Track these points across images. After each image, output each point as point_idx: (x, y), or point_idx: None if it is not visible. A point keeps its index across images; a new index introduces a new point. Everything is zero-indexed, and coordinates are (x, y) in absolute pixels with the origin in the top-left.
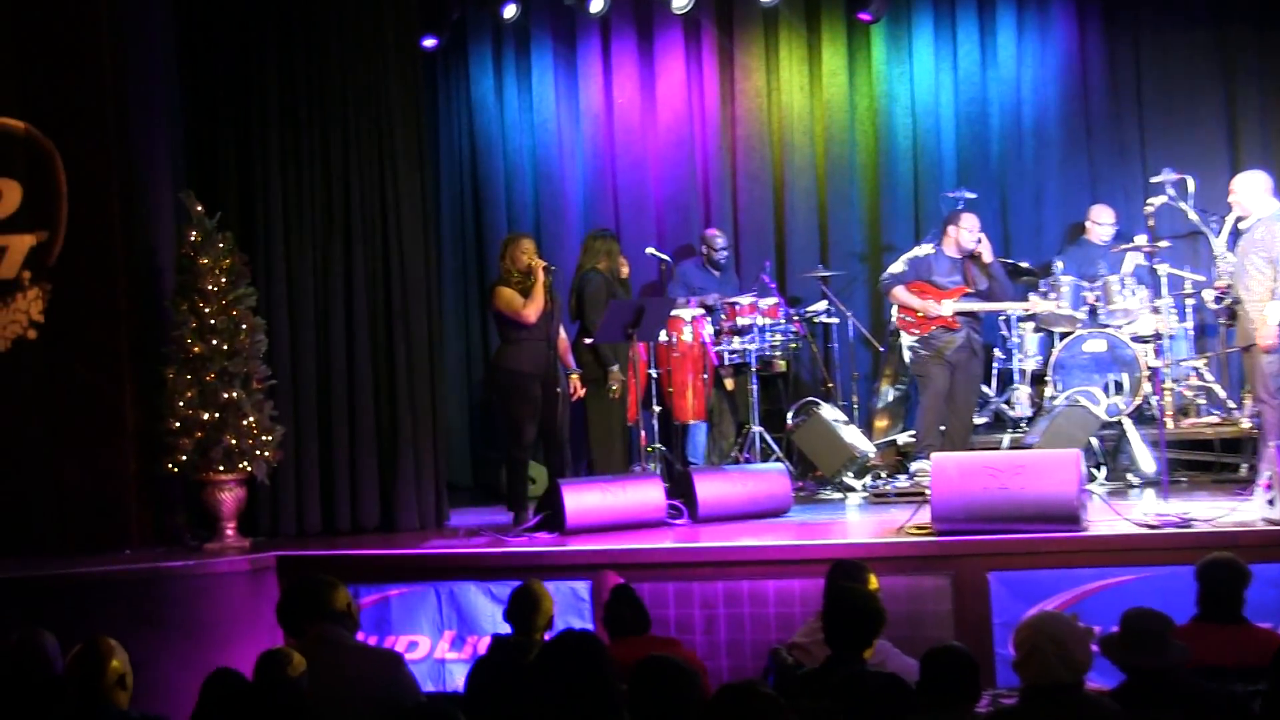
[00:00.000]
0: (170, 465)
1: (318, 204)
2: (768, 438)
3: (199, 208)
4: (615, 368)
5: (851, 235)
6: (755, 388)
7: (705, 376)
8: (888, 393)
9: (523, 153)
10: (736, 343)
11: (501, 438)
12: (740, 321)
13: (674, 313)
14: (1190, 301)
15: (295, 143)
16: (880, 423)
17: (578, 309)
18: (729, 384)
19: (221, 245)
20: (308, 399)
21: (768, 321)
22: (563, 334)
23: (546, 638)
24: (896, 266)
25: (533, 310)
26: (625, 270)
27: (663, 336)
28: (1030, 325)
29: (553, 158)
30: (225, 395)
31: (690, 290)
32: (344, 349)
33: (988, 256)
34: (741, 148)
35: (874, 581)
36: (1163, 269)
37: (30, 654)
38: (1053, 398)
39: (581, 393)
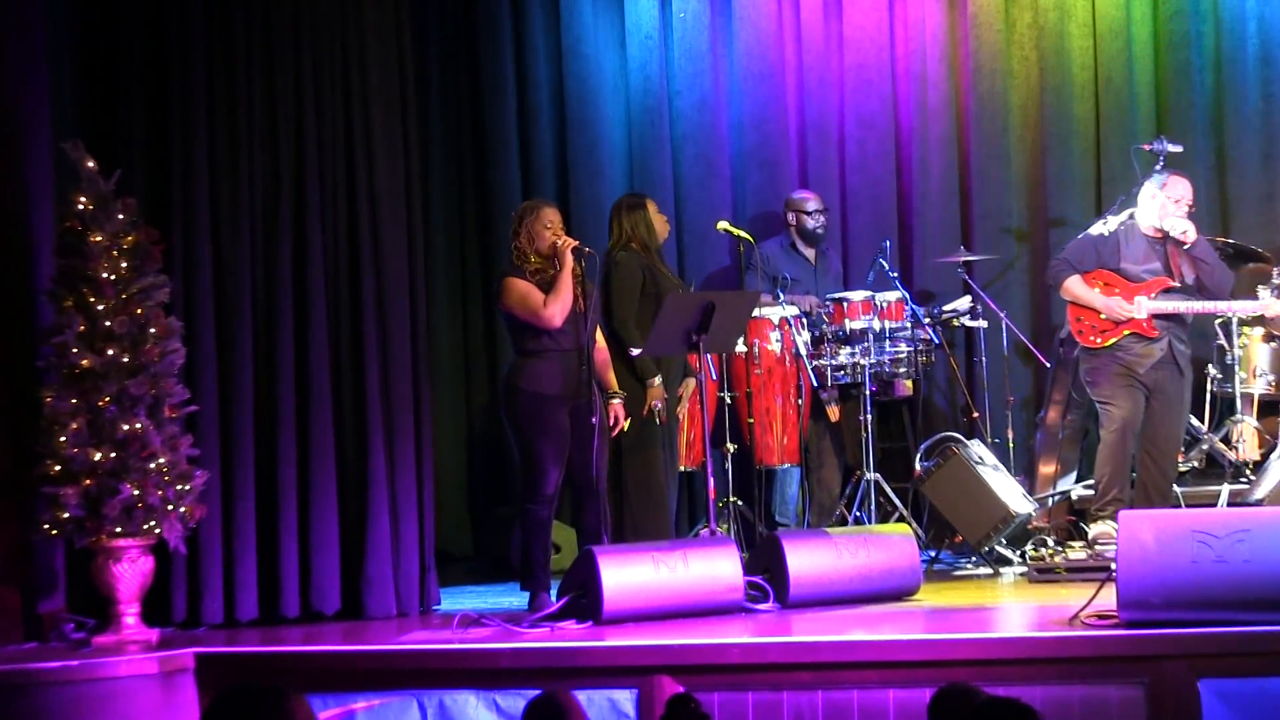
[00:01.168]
0: (47, 526)
1: (259, 163)
2: (887, 489)
3: (90, 163)
4: (656, 380)
5: (1005, 204)
6: (870, 418)
7: (800, 403)
8: (1057, 426)
9: (543, 86)
10: (844, 355)
11: (514, 487)
12: (849, 326)
13: (757, 313)
14: None
15: (229, 80)
16: (1046, 468)
17: (605, 305)
18: (833, 413)
19: (122, 217)
20: (242, 433)
21: (888, 325)
22: (601, 341)
23: None
24: (1071, 250)
25: (558, 309)
26: (663, 233)
27: (740, 346)
28: (1258, 333)
29: (587, 92)
30: (126, 427)
31: (776, 281)
32: (293, 364)
33: (1193, 235)
34: (851, 81)
35: None
36: None
37: None
38: None
39: (625, 425)
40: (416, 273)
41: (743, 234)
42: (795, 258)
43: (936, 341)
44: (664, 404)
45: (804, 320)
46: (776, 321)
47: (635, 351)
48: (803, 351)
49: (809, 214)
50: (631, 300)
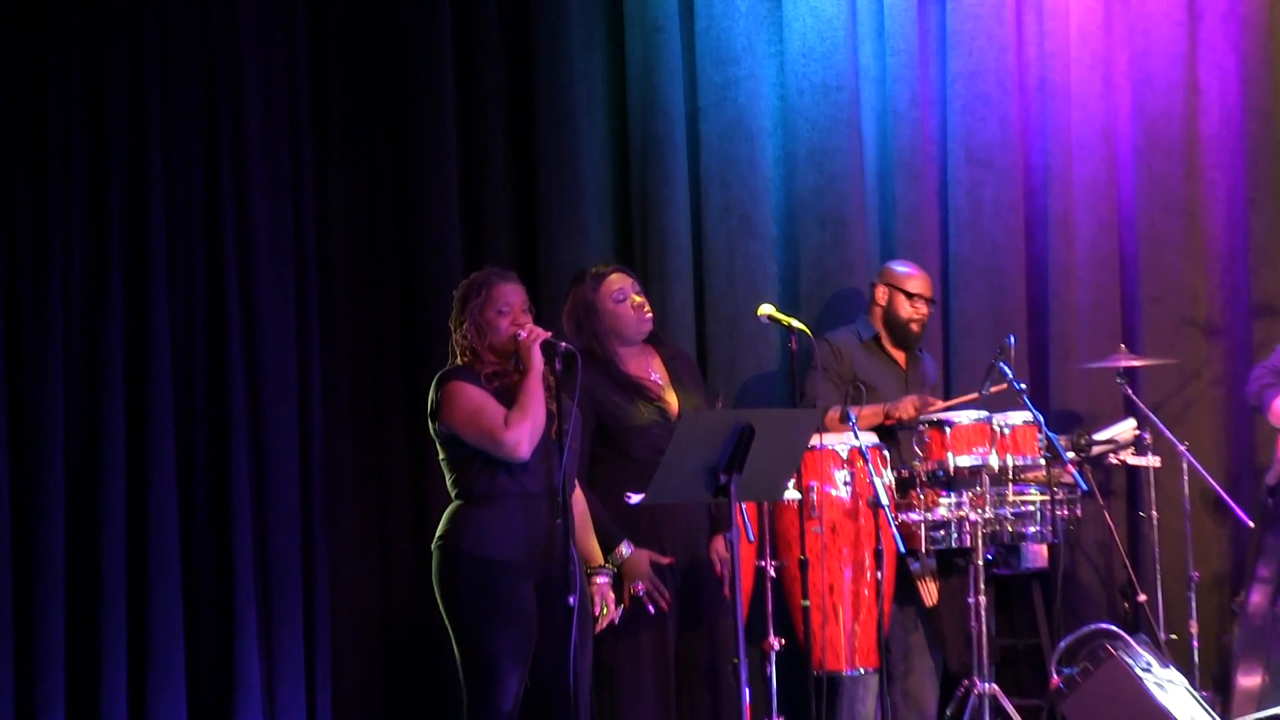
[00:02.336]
0: None
1: (77, 219)
2: (1009, 708)
3: None
4: (626, 549)
5: (1189, 283)
6: (983, 599)
7: (879, 577)
8: (1264, 616)
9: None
10: (944, 507)
11: (453, 702)
12: (954, 463)
13: (815, 441)
14: None
15: (36, 98)
16: (1248, 679)
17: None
18: (928, 593)
19: None
20: (48, 620)
21: (1011, 463)
22: (580, 495)
23: None
24: None
25: (525, 433)
26: (646, 320)
27: (790, 492)
28: None
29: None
30: None
31: (847, 394)
32: (124, 519)
33: None
34: (957, 95)
35: None
36: None
37: None
38: None
39: (615, 614)
40: (309, 372)
41: (795, 322)
42: (878, 359)
43: (1084, 488)
44: (647, 580)
45: (886, 454)
46: (846, 455)
47: (634, 499)
48: (884, 500)
49: (911, 298)
50: (600, 432)
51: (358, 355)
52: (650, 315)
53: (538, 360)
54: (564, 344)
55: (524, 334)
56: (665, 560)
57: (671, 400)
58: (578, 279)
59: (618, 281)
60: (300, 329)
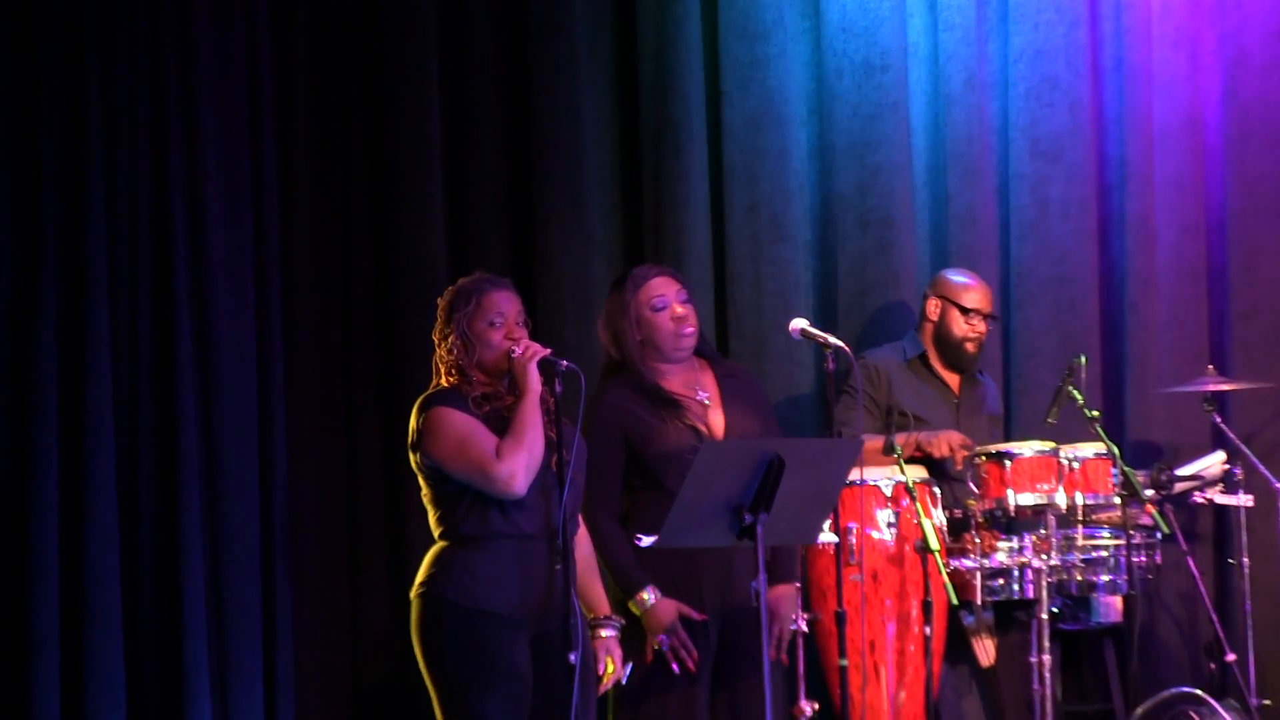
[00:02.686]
0: None
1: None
2: None
3: None
4: (649, 596)
5: (1277, 285)
6: (1047, 659)
7: (927, 631)
8: None
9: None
10: (1003, 552)
11: None
12: (1014, 501)
13: (856, 476)
14: None
15: None
16: None
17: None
18: (984, 652)
19: None
20: None
21: (1081, 502)
22: (584, 536)
23: None
24: None
25: (521, 465)
26: (685, 335)
27: (826, 534)
28: None
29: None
30: None
31: (891, 421)
32: (58, 567)
33: None
34: (1020, 76)
35: None
36: None
37: None
38: None
39: (623, 672)
40: (271, 395)
41: (831, 339)
42: (926, 383)
43: (1165, 531)
44: (686, 637)
45: (937, 491)
46: (890, 491)
47: (644, 541)
48: (934, 544)
49: (967, 314)
50: (601, 465)
51: (327, 375)
52: (691, 331)
53: (535, 381)
54: (565, 362)
55: (519, 350)
56: (698, 616)
57: (717, 423)
58: (618, 281)
59: (660, 287)
60: (261, 345)
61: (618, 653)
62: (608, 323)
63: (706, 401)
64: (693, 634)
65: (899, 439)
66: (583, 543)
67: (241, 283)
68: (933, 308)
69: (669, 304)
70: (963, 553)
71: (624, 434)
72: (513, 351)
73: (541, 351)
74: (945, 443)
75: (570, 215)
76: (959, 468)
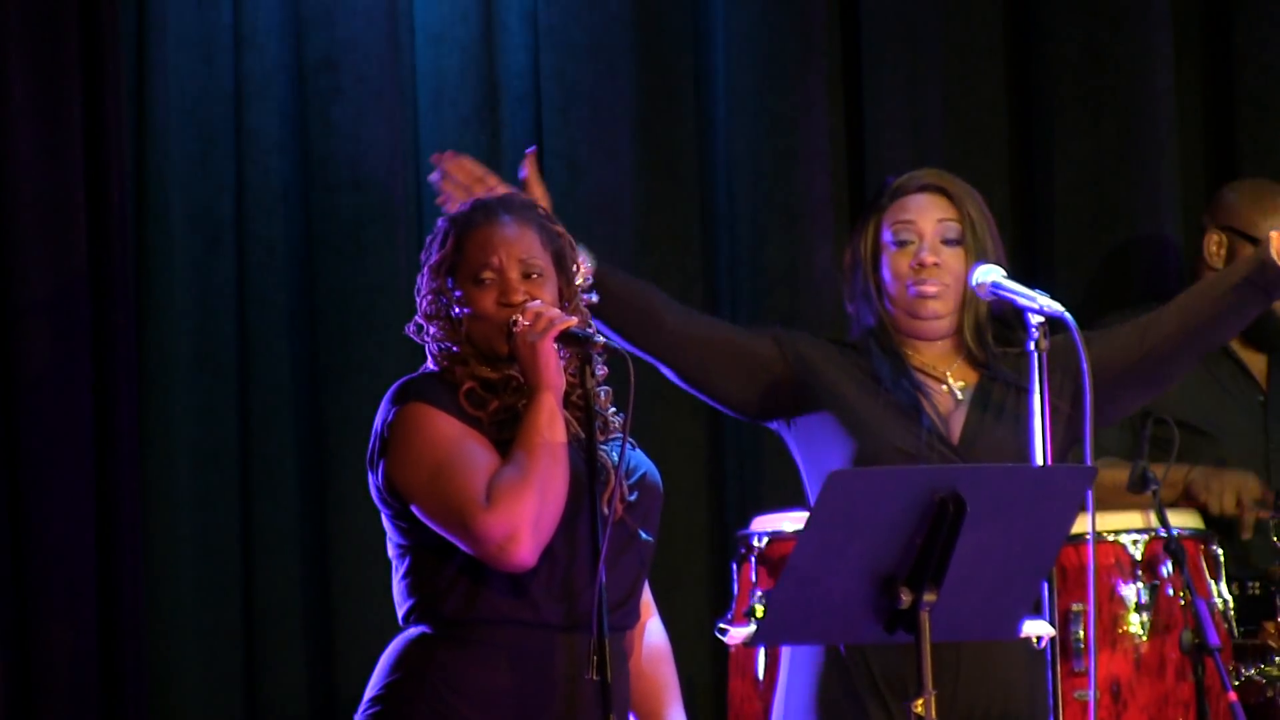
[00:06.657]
0: None
1: None
2: None
3: None
4: None
5: None
6: None
7: None
8: None
9: None
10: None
11: None
12: None
13: (1089, 526)
14: None
15: None
16: None
17: None
18: None
19: None
20: None
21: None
22: (657, 628)
23: None
24: None
25: (520, 521)
26: (926, 287)
27: (1036, 624)
28: None
29: None
30: None
31: (1140, 432)
32: None
33: None
34: None
35: None
36: None
37: None
38: None
39: None
40: (123, 365)
41: (1044, 299)
42: (1212, 369)
43: None
44: None
45: (1219, 553)
46: (1140, 554)
47: (734, 636)
48: (1214, 639)
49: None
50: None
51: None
52: (935, 291)
53: (551, 371)
54: (601, 338)
55: (523, 321)
56: None
57: (957, 426)
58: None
59: (912, 208)
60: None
61: None
62: (847, 251)
63: (959, 396)
64: None
65: (1158, 468)
66: (653, 638)
67: None
68: (1214, 245)
69: (919, 236)
70: (1262, 654)
71: (817, 404)
72: (513, 324)
73: (562, 321)
74: (1232, 491)
75: None
76: (1247, 533)
